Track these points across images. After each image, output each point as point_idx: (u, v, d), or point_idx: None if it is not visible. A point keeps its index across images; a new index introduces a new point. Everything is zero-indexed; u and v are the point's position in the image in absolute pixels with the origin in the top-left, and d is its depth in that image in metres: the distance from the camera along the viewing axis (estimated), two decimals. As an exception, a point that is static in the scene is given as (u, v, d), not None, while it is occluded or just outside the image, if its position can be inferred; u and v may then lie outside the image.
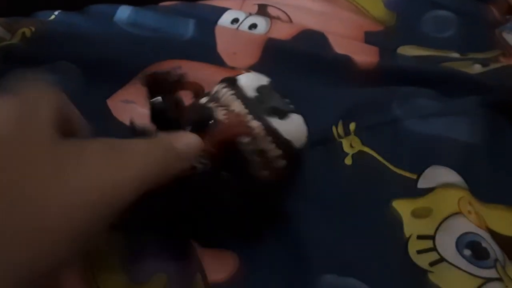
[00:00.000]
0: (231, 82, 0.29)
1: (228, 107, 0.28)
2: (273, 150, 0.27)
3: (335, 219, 0.31)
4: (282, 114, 0.28)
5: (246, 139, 0.27)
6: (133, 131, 0.28)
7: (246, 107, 0.27)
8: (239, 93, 0.28)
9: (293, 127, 0.28)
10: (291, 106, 0.29)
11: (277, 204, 0.31)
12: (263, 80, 0.30)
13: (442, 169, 0.33)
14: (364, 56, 0.43)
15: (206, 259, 0.28)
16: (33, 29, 0.45)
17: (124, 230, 0.29)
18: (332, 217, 0.31)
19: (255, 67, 0.44)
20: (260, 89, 0.29)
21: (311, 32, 0.46)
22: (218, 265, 0.28)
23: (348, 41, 0.46)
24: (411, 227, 0.30)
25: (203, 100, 0.29)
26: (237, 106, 0.27)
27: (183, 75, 0.29)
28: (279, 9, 0.53)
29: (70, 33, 0.46)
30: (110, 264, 0.28)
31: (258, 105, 0.28)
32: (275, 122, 0.27)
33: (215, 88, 0.29)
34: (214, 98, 0.28)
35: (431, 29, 0.49)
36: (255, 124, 0.27)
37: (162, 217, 0.29)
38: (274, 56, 0.44)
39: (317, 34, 0.46)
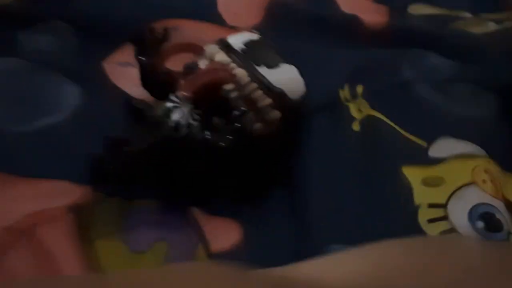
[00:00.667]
0: (221, 41, 0.29)
1: (212, 59, 0.28)
2: (262, 98, 0.27)
3: (342, 187, 0.30)
4: (270, 64, 0.28)
5: (229, 86, 0.27)
6: (129, 108, 0.28)
7: (229, 57, 0.28)
8: (224, 47, 0.29)
9: (284, 76, 0.28)
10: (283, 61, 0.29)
11: (278, 164, 0.30)
12: (254, 36, 0.30)
13: (456, 141, 0.32)
14: (373, 15, 0.42)
15: (208, 228, 0.27)
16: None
17: (120, 196, 0.28)
18: (339, 185, 0.30)
19: (257, 28, 0.42)
20: (248, 44, 0.29)
21: None
22: (220, 234, 0.27)
23: (356, 1, 0.44)
24: (422, 195, 0.29)
25: (194, 58, 0.29)
26: (221, 57, 0.28)
27: (167, 32, 0.29)
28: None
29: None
30: (107, 232, 0.27)
31: (243, 56, 0.28)
32: (262, 70, 0.27)
33: (207, 49, 0.29)
34: (202, 55, 0.29)
35: None
36: (238, 71, 0.27)
37: (160, 183, 0.28)
38: (277, 16, 0.42)
39: None
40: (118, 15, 0.42)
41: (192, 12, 0.42)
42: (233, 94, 0.27)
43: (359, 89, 0.35)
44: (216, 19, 0.42)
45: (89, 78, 0.36)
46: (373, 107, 0.34)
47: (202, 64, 0.28)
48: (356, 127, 0.33)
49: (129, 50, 0.40)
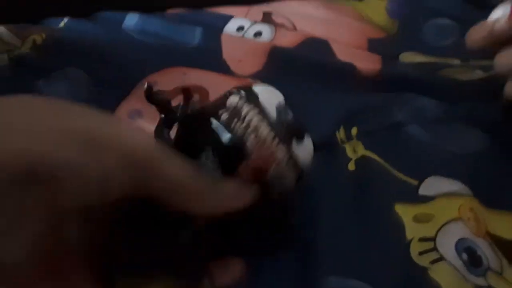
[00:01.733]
0: (249, 95, 0.28)
1: (256, 131, 0.27)
2: (290, 176, 0.27)
3: (340, 223, 0.31)
4: (299, 137, 0.28)
5: (272, 168, 0.27)
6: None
7: (272, 130, 0.27)
8: (264, 113, 0.27)
9: (306, 152, 0.28)
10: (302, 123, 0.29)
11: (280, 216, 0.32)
12: (279, 96, 0.30)
13: (444, 179, 0.34)
14: (367, 63, 0.44)
15: (212, 264, 0.29)
16: (44, 36, 0.47)
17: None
18: (336, 221, 0.32)
19: (259, 74, 0.45)
20: (279, 108, 0.28)
21: (315, 40, 0.47)
22: (224, 270, 0.29)
23: (351, 49, 0.47)
24: (413, 230, 0.31)
25: (224, 116, 0.27)
26: (265, 130, 0.27)
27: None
28: (283, 16, 0.54)
29: (79, 40, 0.48)
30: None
31: (281, 128, 0.27)
32: (295, 148, 0.27)
33: (231, 100, 0.28)
34: (235, 114, 0.27)
35: (432, 36, 0.50)
36: (280, 152, 0.27)
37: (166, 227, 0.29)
38: (279, 63, 0.45)
39: (320, 42, 0.47)
40: (129, 62, 0.45)
41: (199, 60, 0.45)
42: (272, 175, 0.27)
43: (354, 131, 0.38)
44: (221, 66, 0.45)
45: None
46: (367, 148, 0.36)
47: (251, 142, 0.26)
48: (351, 166, 0.36)
49: (140, 95, 0.43)
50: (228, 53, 0.47)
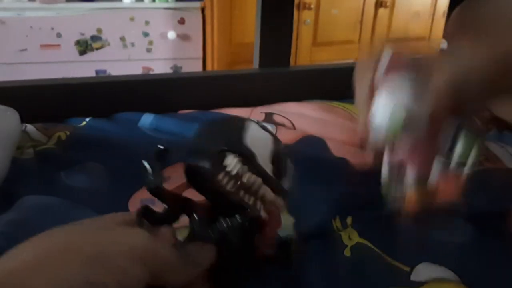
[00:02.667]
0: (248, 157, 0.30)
1: (264, 200, 0.30)
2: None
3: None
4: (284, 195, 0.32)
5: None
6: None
7: (277, 193, 0.30)
8: (263, 174, 0.30)
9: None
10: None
11: None
12: (269, 139, 0.32)
13: (433, 266, 0.36)
14: (359, 160, 0.48)
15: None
16: (68, 133, 0.52)
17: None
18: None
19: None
20: (276, 156, 0.32)
21: (312, 137, 0.52)
22: None
23: (345, 147, 0.51)
24: None
25: (229, 185, 0.29)
26: (270, 195, 0.30)
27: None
28: (283, 116, 0.60)
29: (99, 137, 0.53)
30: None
31: (282, 191, 0.31)
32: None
33: (232, 165, 0.29)
34: (241, 185, 0.29)
35: None
36: (284, 218, 0.31)
37: None
38: None
39: (317, 139, 0.52)
40: (143, 157, 0.49)
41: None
42: None
43: (349, 220, 0.41)
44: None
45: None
46: (361, 235, 0.39)
47: (263, 212, 0.30)
48: (347, 253, 0.38)
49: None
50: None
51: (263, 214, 0.30)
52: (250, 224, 0.29)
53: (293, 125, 0.58)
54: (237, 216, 0.28)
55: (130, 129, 0.55)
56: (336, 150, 0.51)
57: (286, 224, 0.41)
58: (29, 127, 0.53)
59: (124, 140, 0.52)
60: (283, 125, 0.58)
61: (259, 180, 0.30)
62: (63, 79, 0.62)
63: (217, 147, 0.29)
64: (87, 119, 0.57)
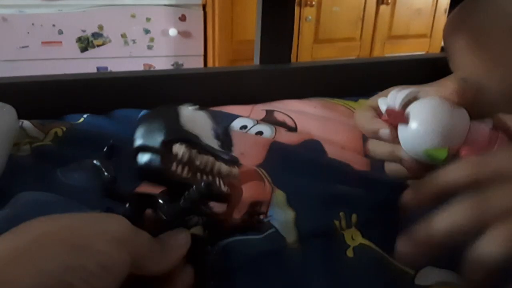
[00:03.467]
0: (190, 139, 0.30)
1: (221, 174, 0.31)
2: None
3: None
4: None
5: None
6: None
7: (233, 166, 0.33)
8: (211, 151, 0.31)
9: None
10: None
11: None
12: (206, 118, 0.33)
13: (438, 270, 0.35)
14: (358, 163, 0.48)
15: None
16: (64, 129, 0.51)
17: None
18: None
19: (261, 165, 0.48)
20: (216, 132, 0.33)
21: (311, 141, 0.51)
22: None
23: (342, 151, 0.51)
24: None
25: (185, 172, 0.30)
26: (224, 168, 0.32)
27: None
28: (284, 114, 0.59)
29: (96, 134, 0.52)
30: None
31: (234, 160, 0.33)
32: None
33: (181, 152, 0.29)
34: (196, 168, 0.30)
35: None
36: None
37: None
38: (278, 157, 0.49)
39: (314, 142, 0.51)
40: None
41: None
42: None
43: (354, 218, 0.40)
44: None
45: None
46: (364, 236, 0.38)
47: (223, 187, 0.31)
48: (350, 253, 0.37)
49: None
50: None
51: (224, 188, 0.31)
52: (207, 189, 0.29)
53: (294, 122, 0.58)
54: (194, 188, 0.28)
55: (128, 126, 0.54)
56: (333, 154, 0.50)
57: (278, 199, 0.41)
58: (26, 123, 0.52)
59: (122, 137, 0.51)
60: (284, 122, 0.57)
61: (211, 158, 0.30)
62: (60, 75, 0.62)
63: (160, 139, 0.29)
64: (85, 116, 0.56)
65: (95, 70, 1.80)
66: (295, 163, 0.47)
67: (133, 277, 0.25)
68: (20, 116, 0.51)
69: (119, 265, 0.23)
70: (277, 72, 0.67)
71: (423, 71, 0.70)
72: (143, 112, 0.58)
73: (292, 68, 0.68)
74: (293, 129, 0.57)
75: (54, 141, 0.50)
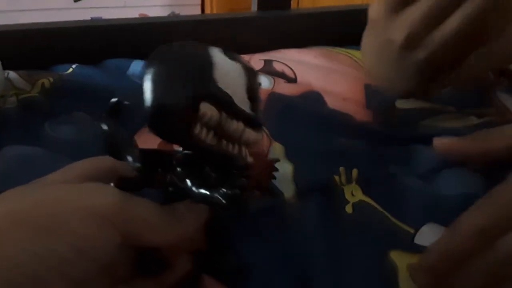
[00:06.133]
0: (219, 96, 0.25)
1: (248, 143, 0.27)
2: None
3: (333, 266, 0.31)
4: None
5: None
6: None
7: (259, 131, 0.27)
8: (240, 113, 0.26)
9: None
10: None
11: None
12: (241, 72, 0.28)
13: (439, 227, 0.34)
14: (359, 114, 0.46)
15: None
16: (51, 80, 0.48)
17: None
18: (329, 264, 0.31)
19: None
20: (249, 88, 0.27)
21: (311, 92, 0.49)
22: None
23: (343, 102, 0.49)
24: (407, 281, 0.30)
25: (209, 138, 0.25)
26: (251, 135, 0.27)
27: None
28: (284, 64, 0.56)
29: (85, 84, 0.49)
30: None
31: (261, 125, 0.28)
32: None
33: (209, 114, 0.24)
34: (223, 135, 0.25)
35: None
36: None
37: None
38: (276, 109, 0.47)
39: (314, 93, 0.49)
40: (132, 107, 0.46)
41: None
42: None
43: (354, 173, 0.38)
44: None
45: None
46: (365, 193, 0.37)
47: (248, 156, 0.27)
48: (349, 209, 0.36)
49: (144, 138, 0.44)
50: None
51: (249, 159, 0.27)
52: (241, 176, 0.26)
53: (294, 73, 0.55)
54: (231, 182, 0.25)
55: (119, 77, 0.51)
56: (333, 104, 0.48)
57: (276, 153, 0.40)
58: (12, 74, 0.50)
59: (112, 88, 0.49)
60: (283, 72, 0.54)
61: (241, 124, 0.25)
62: (47, 23, 0.58)
63: (187, 93, 0.23)
64: (74, 66, 0.53)
65: (89, 21, 1.74)
66: (294, 115, 0.45)
67: (138, 250, 0.23)
68: (5, 66, 0.48)
69: (101, 246, 0.21)
70: (276, 19, 0.63)
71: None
72: (135, 62, 0.55)
73: (292, 14, 0.64)
74: (292, 80, 0.54)
75: (42, 92, 0.48)
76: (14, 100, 0.46)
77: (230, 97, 0.25)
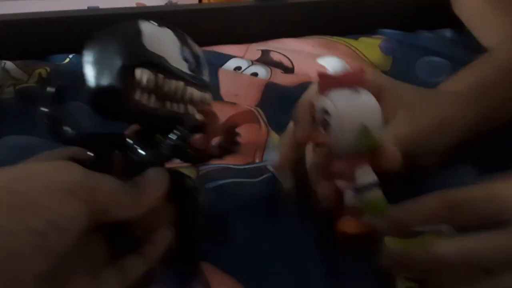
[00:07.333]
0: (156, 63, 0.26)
1: (193, 100, 0.27)
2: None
3: (333, 255, 0.32)
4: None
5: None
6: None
7: (202, 90, 0.28)
8: (185, 78, 0.27)
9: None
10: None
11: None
12: (173, 37, 0.28)
13: None
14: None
15: (213, 284, 0.29)
16: (48, 69, 0.48)
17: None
18: (330, 254, 0.32)
19: (257, 106, 0.46)
20: (184, 54, 0.28)
21: (308, 84, 0.49)
22: None
23: None
24: None
25: (152, 101, 0.26)
26: (196, 94, 0.27)
27: None
28: (281, 54, 0.56)
29: (82, 74, 0.49)
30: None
31: (206, 84, 0.29)
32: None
33: (145, 78, 0.25)
34: (164, 96, 0.26)
35: (425, 73, 0.51)
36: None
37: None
38: (273, 98, 0.47)
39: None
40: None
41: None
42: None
43: None
44: (218, 101, 0.47)
45: None
46: None
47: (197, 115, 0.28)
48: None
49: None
50: (225, 88, 0.49)
51: (198, 116, 0.27)
52: (192, 131, 0.26)
53: (291, 63, 0.55)
54: (174, 131, 0.25)
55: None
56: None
57: (274, 143, 0.40)
58: (9, 64, 0.50)
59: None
60: (280, 62, 0.54)
61: (181, 83, 0.26)
62: (44, 12, 0.58)
63: (119, 63, 0.24)
64: (71, 56, 0.53)
65: (85, 10, 1.73)
66: (291, 104, 0.45)
67: (105, 225, 0.23)
68: (2, 57, 0.48)
69: (73, 219, 0.21)
70: (273, 8, 0.63)
71: (428, 8, 0.66)
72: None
73: (289, 3, 0.64)
74: (290, 70, 0.54)
75: (39, 82, 0.48)
76: (12, 90, 0.47)
77: (163, 58, 0.25)
